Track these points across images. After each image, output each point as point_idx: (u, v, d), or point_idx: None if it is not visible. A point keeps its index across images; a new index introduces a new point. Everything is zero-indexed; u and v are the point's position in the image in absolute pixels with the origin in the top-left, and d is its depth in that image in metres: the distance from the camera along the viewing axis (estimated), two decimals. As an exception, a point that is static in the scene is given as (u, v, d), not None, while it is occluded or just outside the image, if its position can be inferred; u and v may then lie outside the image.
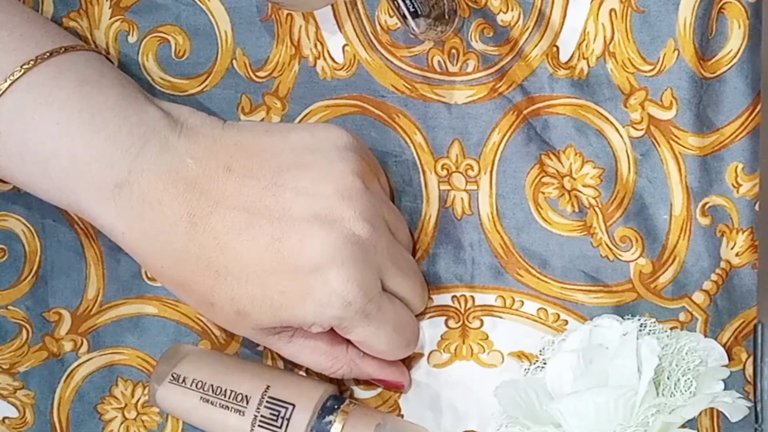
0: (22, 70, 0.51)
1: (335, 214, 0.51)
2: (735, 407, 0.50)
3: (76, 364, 0.60)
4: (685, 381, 0.51)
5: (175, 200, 0.51)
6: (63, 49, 0.52)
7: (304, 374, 0.58)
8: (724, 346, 0.55)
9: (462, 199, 0.58)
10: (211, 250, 0.51)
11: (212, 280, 0.51)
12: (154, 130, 0.52)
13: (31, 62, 0.51)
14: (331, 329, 0.53)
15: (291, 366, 0.59)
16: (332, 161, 0.53)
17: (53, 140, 0.51)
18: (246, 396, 0.55)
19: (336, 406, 0.55)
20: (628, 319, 0.54)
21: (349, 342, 0.55)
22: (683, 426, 0.50)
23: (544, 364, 0.54)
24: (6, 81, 0.51)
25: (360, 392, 0.59)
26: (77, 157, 0.51)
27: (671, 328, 0.55)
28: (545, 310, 0.57)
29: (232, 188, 0.52)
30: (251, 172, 0.52)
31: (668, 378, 0.51)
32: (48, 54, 0.52)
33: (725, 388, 0.52)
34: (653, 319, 0.54)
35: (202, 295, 0.52)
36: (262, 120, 0.59)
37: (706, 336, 0.55)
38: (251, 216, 0.51)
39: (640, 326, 0.53)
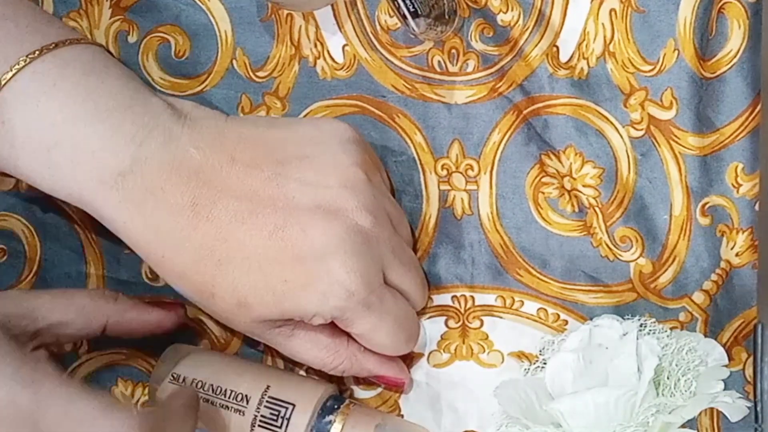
0: (28, 60, 0.51)
1: (338, 205, 0.51)
2: (735, 407, 0.50)
3: (76, 364, 0.60)
4: (685, 381, 0.51)
5: (178, 189, 0.51)
6: (68, 42, 0.52)
7: (304, 374, 0.58)
8: (724, 346, 0.55)
9: (462, 199, 0.58)
10: (214, 239, 0.51)
11: (214, 269, 0.51)
12: (157, 120, 0.52)
13: (36, 52, 0.51)
14: (332, 324, 0.53)
15: (291, 366, 0.59)
16: (336, 153, 0.53)
17: (57, 129, 0.51)
18: (246, 396, 0.55)
19: (336, 406, 0.55)
20: (628, 319, 0.54)
21: (350, 337, 0.55)
22: (683, 426, 0.50)
23: (544, 364, 0.54)
24: (11, 70, 0.51)
25: (360, 392, 0.59)
26: (80, 145, 0.51)
27: (671, 328, 0.55)
28: (545, 310, 0.57)
29: (235, 178, 0.52)
30: (255, 162, 0.52)
31: (668, 378, 0.51)
32: (53, 45, 0.52)
33: (725, 388, 0.52)
34: (653, 319, 0.54)
35: (203, 285, 0.52)
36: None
37: (706, 336, 0.55)
38: (254, 205, 0.51)
39: (640, 326, 0.53)
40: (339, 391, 0.58)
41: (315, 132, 0.54)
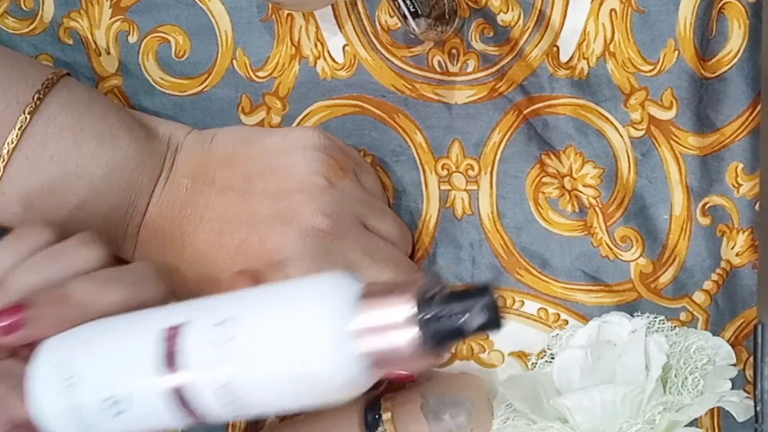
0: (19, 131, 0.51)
1: (294, 212, 0.52)
2: (742, 407, 0.50)
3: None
4: (693, 379, 0.50)
5: (174, 223, 0.53)
6: (47, 85, 0.52)
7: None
8: (724, 345, 0.55)
9: (462, 199, 0.58)
10: (195, 263, 0.53)
11: (196, 289, 0.53)
12: (162, 166, 0.54)
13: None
14: None
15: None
16: (296, 162, 0.53)
17: (89, 208, 0.52)
18: None
19: (376, 405, 0.54)
20: (637, 316, 0.54)
21: None
22: (689, 424, 0.50)
23: (552, 358, 0.54)
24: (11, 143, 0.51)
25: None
26: (110, 216, 0.53)
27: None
28: (546, 310, 0.57)
29: (213, 201, 0.53)
30: (229, 182, 0.54)
31: (675, 376, 0.51)
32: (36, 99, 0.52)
33: (726, 388, 0.52)
34: (662, 317, 0.54)
35: None
36: (262, 120, 0.59)
37: (706, 336, 0.55)
38: (224, 224, 0.53)
39: (649, 324, 0.53)
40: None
41: (282, 142, 0.55)
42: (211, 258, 0.53)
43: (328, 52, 0.58)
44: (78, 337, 0.42)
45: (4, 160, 0.50)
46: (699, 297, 0.56)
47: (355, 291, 0.38)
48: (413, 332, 0.36)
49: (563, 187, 0.57)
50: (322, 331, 0.37)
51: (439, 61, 0.57)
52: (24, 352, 0.43)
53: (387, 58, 0.58)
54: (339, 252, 0.53)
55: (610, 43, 0.56)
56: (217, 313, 0.40)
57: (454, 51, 0.57)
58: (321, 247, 0.52)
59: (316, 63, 0.58)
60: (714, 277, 0.56)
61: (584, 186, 0.57)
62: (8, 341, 0.43)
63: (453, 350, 0.58)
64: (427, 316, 0.36)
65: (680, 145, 0.56)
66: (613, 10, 0.56)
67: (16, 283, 0.44)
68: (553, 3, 0.56)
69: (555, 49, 0.56)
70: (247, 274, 0.43)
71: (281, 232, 0.52)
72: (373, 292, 0.38)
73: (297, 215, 0.52)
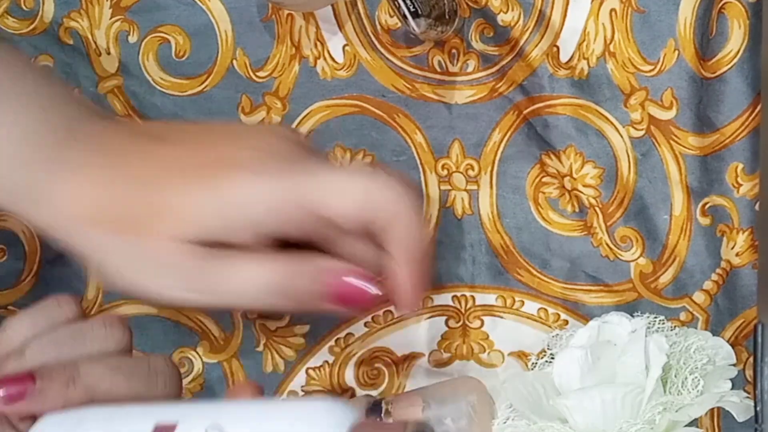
0: None
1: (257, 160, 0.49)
2: (742, 407, 0.50)
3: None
4: (693, 379, 0.50)
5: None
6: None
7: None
8: (724, 345, 0.55)
9: (462, 198, 0.58)
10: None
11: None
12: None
13: None
14: None
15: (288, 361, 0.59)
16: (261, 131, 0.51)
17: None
18: None
19: (378, 406, 0.54)
20: (637, 316, 0.54)
21: None
22: (689, 424, 0.50)
23: (552, 358, 0.54)
24: None
25: (361, 391, 0.59)
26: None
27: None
28: (546, 309, 0.57)
29: (163, 151, 0.48)
30: (181, 137, 0.49)
31: (675, 376, 0.51)
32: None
33: (726, 388, 0.52)
34: (662, 317, 0.54)
35: None
36: (262, 120, 0.59)
37: (706, 336, 0.55)
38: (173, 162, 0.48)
39: (649, 324, 0.53)
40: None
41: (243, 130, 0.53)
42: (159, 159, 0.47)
43: (328, 52, 0.58)
44: (74, 418, 0.42)
45: None
46: (699, 297, 0.56)
47: (349, 422, 0.38)
48: None
49: (563, 187, 0.57)
50: None
51: (439, 61, 0.57)
52: (23, 427, 0.43)
53: (387, 58, 0.58)
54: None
55: (610, 43, 0.56)
56: (208, 418, 0.39)
57: (454, 51, 0.57)
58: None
59: (316, 63, 0.58)
60: (714, 277, 0.56)
61: (584, 186, 0.57)
62: (9, 410, 0.42)
63: (453, 350, 0.58)
64: None
65: (680, 145, 0.56)
66: (613, 10, 0.56)
67: (32, 353, 0.44)
68: (553, 3, 0.56)
69: (555, 49, 0.56)
70: (251, 386, 0.43)
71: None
72: (364, 426, 0.38)
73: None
